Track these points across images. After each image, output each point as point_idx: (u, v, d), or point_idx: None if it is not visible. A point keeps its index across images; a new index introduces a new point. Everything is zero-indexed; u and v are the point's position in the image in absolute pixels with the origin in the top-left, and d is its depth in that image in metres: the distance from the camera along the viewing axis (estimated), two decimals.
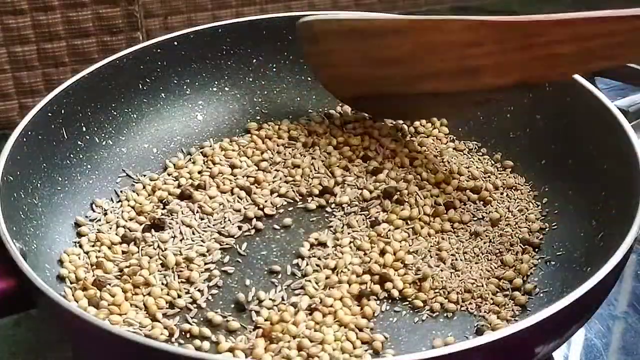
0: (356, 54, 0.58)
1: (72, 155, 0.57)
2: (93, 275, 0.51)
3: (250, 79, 0.66)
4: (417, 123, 0.64)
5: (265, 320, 0.48)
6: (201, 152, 0.61)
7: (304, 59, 0.63)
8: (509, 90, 0.54)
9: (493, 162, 0.61)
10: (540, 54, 0.50)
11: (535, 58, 0.51)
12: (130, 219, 0.55)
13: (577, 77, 0.57)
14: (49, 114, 0.55)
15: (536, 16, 0.50)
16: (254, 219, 0.56)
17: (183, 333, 0.48)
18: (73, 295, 0.49)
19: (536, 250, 0.54)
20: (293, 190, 0.58)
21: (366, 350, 0.47)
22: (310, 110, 0.65)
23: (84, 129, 0.58)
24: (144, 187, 0.58)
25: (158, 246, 0.53)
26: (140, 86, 0.61)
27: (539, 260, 0.53)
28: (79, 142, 0.57)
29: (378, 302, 0.50)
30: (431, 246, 0.54)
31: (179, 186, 0.58)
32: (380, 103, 0.60)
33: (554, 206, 0.56)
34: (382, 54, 0.56)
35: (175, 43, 0.63)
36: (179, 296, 0.50)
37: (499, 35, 0.52)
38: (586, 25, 0.48)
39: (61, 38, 0.71)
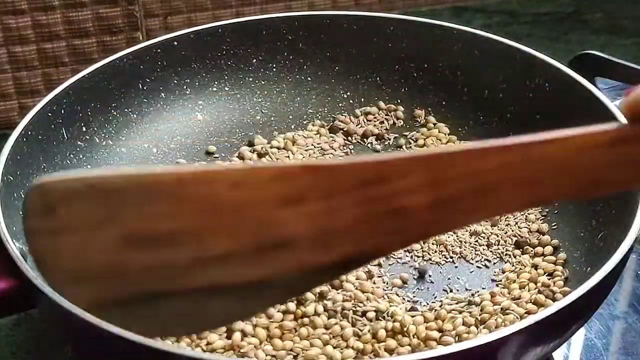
0: (107, 229, 0.38)
1: (72, 155, 0.57)
2: None
3: (250, 79, 0.66)
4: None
5: None
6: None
7: (27, 240, 0.40)
8: (330, 271, 0.37)
9: None
10: (381, 211, 0.35)
11: (374, 217, 0.35)
12: None
13: (577, 77, 0.57)
14: (49, 114, 0.55)
15: (377, 157, 0.35)
16: None
17: None
18: None
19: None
20: None
21: None
22: (310, 111, 0.65)
23: (84, 129, 0.58)
24: None
25: None
26: (140, 86, 0.61)
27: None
28: (79, 142, 0.57)
29: None
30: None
31: None
32: (140, 309, 0.39)
33: (554, 206, 0.56)
34: (146, 227, 0.37)
35: (175, 43, 0.63)
36: None
37: (326, 186, 0.35)
38: (443, 162, 0.34)
39: (61, 38, 0.71)
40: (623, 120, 0.33)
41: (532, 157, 0.33)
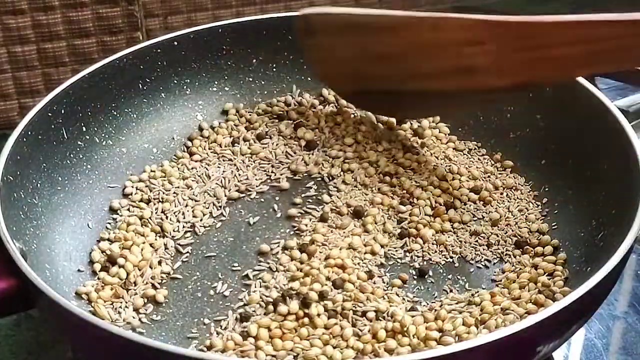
0: (351, 48, 0.57)
1: (72, 155, 0.57)
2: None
3: (250, 79, 0.66)
4: (416, 124, 0.64)
5: None
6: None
7: (302, 51, 0.63)
8: (508, 91, 0.53)
9: (493, 162, 0.61)
10: (543, 56, 0.49)
11: (537, 59, 0.49)
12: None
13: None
14: (49, 114, 0.55)
15: (540, 17, 0.49)
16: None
17: None
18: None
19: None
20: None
21: None
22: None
23: (84, 129, 0.58)
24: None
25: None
26: (140, 86, 0.61)
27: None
28: (79, 142, 0.57)
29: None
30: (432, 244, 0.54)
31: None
32: (376, 99, 0.60)
33: (554, 206, 0.56)
34: (377, 49, 0.56)
35: (175, 43, 0.63)
36: None
37: (499, 35, 0.50)
38: (591, 28, 0.47)
39: (61, 38, 0.71)
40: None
41: None
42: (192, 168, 0.60)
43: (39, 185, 0.53)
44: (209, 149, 0.62)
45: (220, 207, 0.57)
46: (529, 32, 0.49)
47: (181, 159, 0.61)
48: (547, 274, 0.52)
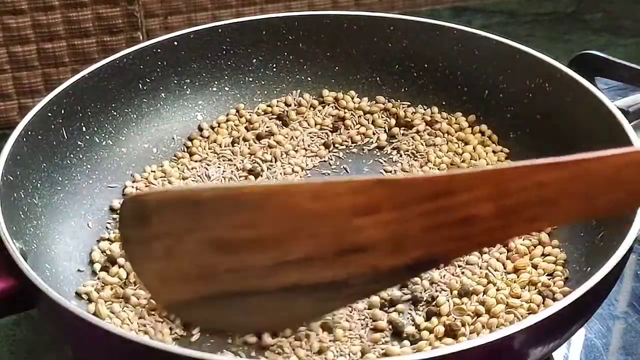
0: (196, 236, 0.43)
1: (72, 155, 0.57)
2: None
3: (250, 79, 0.66)
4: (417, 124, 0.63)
5: None
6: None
7: (123, 248, 0.49)
8: (403, 274, 0.42)
9: (493, 162, 0.61)
10: (451, 220, 0.39)
11: (444, 225, 0.39)
12: None
13: (577, 77, 0.57)
14: (49, 114, 0.55)
15: (446, 172, 0.42)
16: None
17: None
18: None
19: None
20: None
21: None
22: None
23: (84, 129, 0.58)
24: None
25: None
26: (140, 86, 0.61)
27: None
28: (79, 142, 0.57)
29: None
30: None
31: None
32: (226, 308, 0.44)
33: None
34: (232, 235, 0.42)
35: (175, 43, 0.63)
36: None
37: (398, 198, 0.39)
38: (507, 176, 0.38)
39: (61, 38, 0.71)
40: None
41: (587, 172, 0.37)
42: (192, 168, 0.60)
43: (39, 185, 0.53)
44: (209, 149, 0.62)
45: None
46: (437, 191, 0.39)
47: (181, 159, 0.61)
48: (547, 274, 0.52)
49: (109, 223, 0.56)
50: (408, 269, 0.41)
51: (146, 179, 0.59)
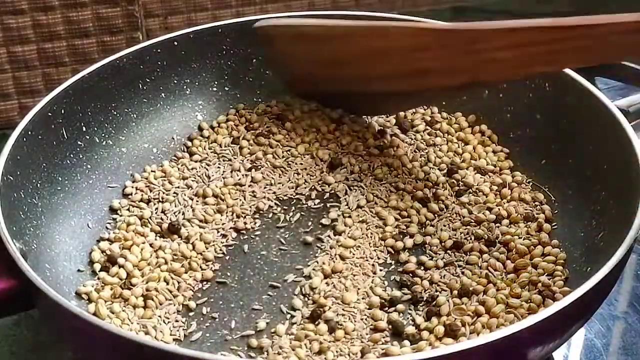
0: (307, 56, 0.61)
1: (72, 155, 0.57)
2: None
3: (250, 79, 0.66)
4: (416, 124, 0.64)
5: None
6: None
7: (264, 60, 0.65)
8: (461, 89, 0.57)
9: (493, 162, 0.61)
10: (483, 58, 0.52)
11: (479, 61, 0.52)
12: None
13: (577, 77, 0.57)
14: (49, 114, 0.55)
15: (478, 24, 0.52)
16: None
17: None
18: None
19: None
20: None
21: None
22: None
23: (84, 129, 0.58)
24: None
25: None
26: (140, 86, 0.61)
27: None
28: (79, 142, 0.57)
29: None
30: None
31: None
32: (341, 100, 0.62)
33: (554, 206, 0.56)
34: (330, 57, 0.59)
35: (175, 43, 0.63)
36: None
37: (442, 40, 0.53)
38: (524, 33, 0.51)
39: (61, 38, 0.71)
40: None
41: (586, 35, 0.49)
42: (192, 168, 0.60)
43: (39, 185, 0.53)
44: (209, 148, 0.62)
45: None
46: (471, 38, 0.52)
47: (181, 159, 0.61)
48: (547, 274, 0.52)
49: (108, 223, 0.56)
50: (460, 87, 0.55)
51: (146, 178, 0.59)
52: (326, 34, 0.59)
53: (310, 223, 0.56)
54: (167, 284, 0.52)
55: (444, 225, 0.56)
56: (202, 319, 0.50)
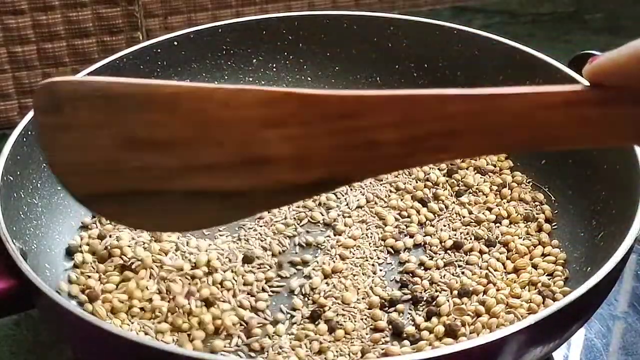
0: (108, 131, 0.42)
1: None
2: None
3: (250, 79, 0.66)
4: None
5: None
6: None
7: (36, 135, 0.50)
8: (307, 190, 0.41)
9: (493, 162, 0.61)
10: (353, 142, 0.39)
11: (346, 147, 0.39)
12: None
13: (577, 76, 0.57)
14: None
15: (358, 92, 0.39)
16: None
17: None
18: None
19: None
20: None
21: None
22: None
23: None
24: None
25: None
26: None
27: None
28: None
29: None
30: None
31: None
32: (136, 204, 0.44)
33: (554, 206, 0.56)
34: (142, 133, 0.42)
35: (175, 43, 0.63)
36: None
37: (306, 113, 0.39)
38: (415, 104, 0.38)
39: (61, 38, 0.71)
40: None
41: (495, 108, 0.36)
42: None
43: (39, 185, 0.53)
44: None
45: None
46: (346, 111, 0.38)
47: None
48: (547, 274, 0.52)
49: (109, 223, 0.56)
50: (310, 186, 0.41)
51: None
52: (147, 95, 0.42)
53: (310, 223, 0.56)
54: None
55: (444, 225, 0.56)
56: None
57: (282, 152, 0.40)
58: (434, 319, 0.49)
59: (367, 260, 0.53)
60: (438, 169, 0.60)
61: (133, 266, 0.52)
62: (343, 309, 0.50)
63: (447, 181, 0.59)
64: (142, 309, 0.49)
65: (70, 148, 0.44)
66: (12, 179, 0.50)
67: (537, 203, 0.57)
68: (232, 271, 0.52)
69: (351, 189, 0.58)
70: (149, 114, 0.41)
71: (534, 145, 0.39)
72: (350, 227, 0.55)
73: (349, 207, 0.57)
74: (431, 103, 0.37)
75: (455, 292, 0.51)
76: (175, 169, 0.42)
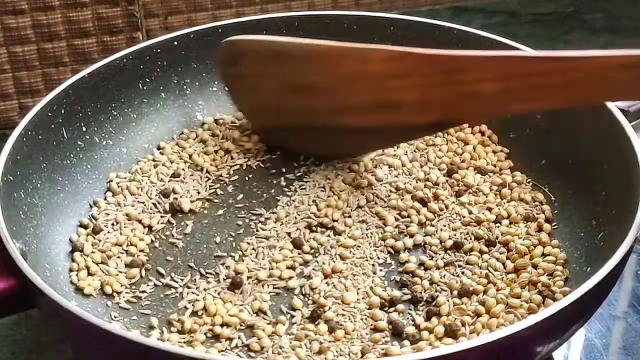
0: (275, 78, 0.56)
1: (72, 155, 0.57)
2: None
3: None
4: None
5: None
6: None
7: (223, 81, 0.61)
8: (431, 129, 0.53)
9: (493, 162, 0.61)
10: (462, 91, 0.48)
11: (457, 95, 0.49)
12: None
13: None
14: (49, 114, 0.55)
15: (464, 52, 0.49)
16: None
17: None
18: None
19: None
20: None
21: None
22: None
23: (84, 129, 0.58)
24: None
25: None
26: (140, 86, 0.61)
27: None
28: (79, 142, 0.57)
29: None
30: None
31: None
32: (298, 135, 0.57)
33: (554, 206, 0.56)
34: (301, 81, 0.54)
35: (175, 43, 0.63)
36: None
37: (424, 68, 0.49)
38: (510, 63, 0.47)
39: (61, 38, 0.71)
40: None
41: (572, 68, 0.45)
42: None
43: (39, 185, 0.53)
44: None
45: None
46: (452, 67, 0.48)
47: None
48: (547, 274, 0.52)
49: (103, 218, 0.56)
50: (430, 126, 0.51)
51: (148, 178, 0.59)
52: (301, 52, 0.54)
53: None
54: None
55: (444, 225, 0.56)
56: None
57: (407, 97, 0.50)
58: (434, 319, 0.49)
59: (367, 260, 0.53)
60: (438, 168, 0.60)
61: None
62: (343, 309, 0.50)
63: (447, 181, 0.59)
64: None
65: (247, 92, 0.58)
66: (12, 179, 0.50)
67: (537, 203, 0.57)
68: None
69: (352, 189, 0.58)
70: (306, 65, 0.53)
71: (601, 98, 0.49)
72: (350, 227, 0.55)
73: (349, 207, 0.57)
74: (522, 62, 0.47)
75: (455, 292, 0.51)
76: (326, 109, 0.54)
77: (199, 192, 0.58)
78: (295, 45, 0.54)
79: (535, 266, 0.52)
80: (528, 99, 0.47)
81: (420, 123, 0.51)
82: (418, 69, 0.49)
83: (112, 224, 0.55)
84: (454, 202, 0.57)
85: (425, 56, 0.49)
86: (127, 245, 0.54)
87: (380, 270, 0.53)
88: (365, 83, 0.51)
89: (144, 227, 0.55)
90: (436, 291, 0.51)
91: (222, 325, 0.49)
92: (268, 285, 0.51)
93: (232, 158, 0.60)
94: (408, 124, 0.51)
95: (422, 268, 0.53)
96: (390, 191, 0.58)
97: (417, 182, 0.59)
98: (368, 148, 0.57)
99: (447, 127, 0.54)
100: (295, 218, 0.55)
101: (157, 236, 0.55)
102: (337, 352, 0.47)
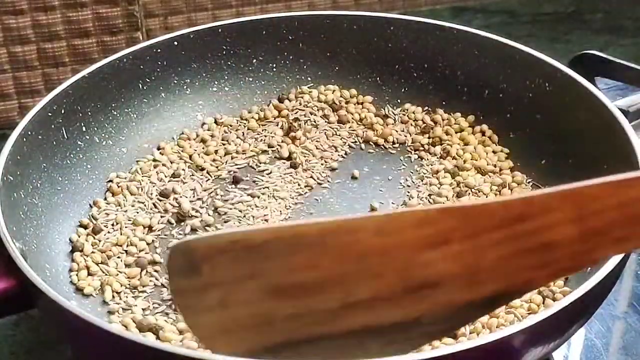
0: (252, 282, 0.39)
1: (72, 155, 0.57)
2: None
3: (250, 79, 0.66)
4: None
5: None
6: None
7: (174, 300, 0.47)
8: (482, 307, 0.38)
9: (493, 162, 0.61)
10: (528, 246, 0.36)
11: (522, 253, 0.36)
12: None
13: (577, 77, 0.57)
14: (49, 114, 0.55)
15: (523, 194, 0.38)
16: None
17: None
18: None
19: None
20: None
21: None
22: None
23: (84, 129, 0.58)
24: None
25: None
26: (140, 86, 0.61)
27: None
28: (79, 142, 0.57)
29: None
30: None
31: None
32: (292, 354, 0.39)
33: None
34: (290, 278, 0.38)
35: (175, 43, 0.63)
36: None
37: (470, 226, 0.36)
38: (592, 195, 0.35)
39: (61, 38, 0.71)
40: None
41: None
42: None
43: (39, 185, 0.53)
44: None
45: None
46: (518, 214, 0.36)
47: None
48: None
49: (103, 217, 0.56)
50: (486, 302, 0.37)
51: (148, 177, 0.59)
52: (290, 239, 0.38)
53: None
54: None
55: None
56: None
57: (448, 272, 0.36)
58: None
59: None
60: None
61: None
62: None
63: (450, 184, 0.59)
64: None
65: (212, 308, 0.40)
66: (12, 179, 0.50)
67: None
68: None
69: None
70: (297, 256, 0.38)
71: None
72: None
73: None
74: (607, 191, 0.35)
75: None
76: (332, 311, 0.38)
77: (199, 192, 0.58)
78: (277, 231, 0.40)
79: None
80: (622, 239, 0.35)
81: (470, 301, 0.37)
82: (461, 229, 0.36)
83: (112, 224, 0.55)
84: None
85: (468, 211, 0.36)
86: (127, 245, 0.54)
87: None
88: (387, 263, 0.37)
89: (144, 227, 0.55)
90: None
91: None
92: None
93: (232, 158, 0.61)
94: (452, 306, 0.37)
95: None
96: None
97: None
98: (399, 350, 0.39)
99: (509, 299, 0.39)
100: None
101: (157, 236, 0.55)
102: None
